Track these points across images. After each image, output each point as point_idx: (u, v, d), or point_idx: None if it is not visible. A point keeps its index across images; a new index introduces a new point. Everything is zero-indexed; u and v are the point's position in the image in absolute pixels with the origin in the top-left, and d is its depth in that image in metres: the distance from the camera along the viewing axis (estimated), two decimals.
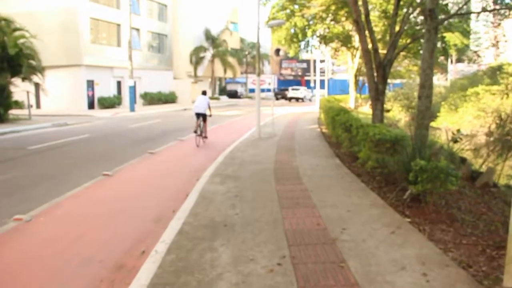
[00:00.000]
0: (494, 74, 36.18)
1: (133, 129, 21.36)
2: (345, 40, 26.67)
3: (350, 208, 6.70)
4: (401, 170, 8.17)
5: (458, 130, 15.29)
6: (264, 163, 10.95)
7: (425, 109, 9.22)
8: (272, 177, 9.11)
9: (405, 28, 13.57)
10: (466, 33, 30.25)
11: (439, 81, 49.92)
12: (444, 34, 21.14)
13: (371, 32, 13.19)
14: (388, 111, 42.74)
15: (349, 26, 25.32)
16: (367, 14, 13.18)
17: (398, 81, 57.36)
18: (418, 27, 16.02)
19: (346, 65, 64.33)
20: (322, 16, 26.03)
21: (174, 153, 13.79)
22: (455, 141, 14.00)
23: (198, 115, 15.26)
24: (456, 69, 56.93)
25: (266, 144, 14.65)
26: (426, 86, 9.13)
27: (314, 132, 18.70)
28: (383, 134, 8.08)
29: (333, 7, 18.98)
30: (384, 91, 13.22)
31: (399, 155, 7.97)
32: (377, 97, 13.06)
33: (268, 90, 65.57)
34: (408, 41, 14.98)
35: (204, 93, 16.31)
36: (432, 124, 31.88)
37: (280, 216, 6.35)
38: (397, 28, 13.23)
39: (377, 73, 13.04)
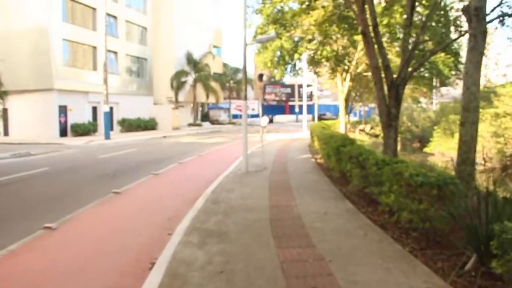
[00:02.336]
0: (488, 97, 34.73)
1: (103, 160, 18.81)
2: (337, 62, 24.60)
3: None
4: (449, 224, 5.90)
5: None
6: (256, 209, 8.52)
7: (470, 140, 6.97)
8: (270, 234, 6.67)
9: (425, 38, 11.54)
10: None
11: (426, 105, 48.13)
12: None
13: (381, 45, 11.07)
14: (376, 136, 41.01)
15: (343, 43, 23.20)
16: (376, 25, 11.07)
17: (372, 105, 55.63)
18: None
19: (332, 90, 62.84)
20: (310, 38, 24.12)
21: (145, 193, 11.29)
22: None
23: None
24: (440, 93, 55.46)
25: (256, 180, 12.26)
26: (471, 109, 6.91)
27: (309, 163, 16.39)
28: (425, 176, 5.79)
29: (333, 18, 16.78)
30: (398, 115, 11.03)
31: (450, 206, 5.69)
32: (390, 123, 10.86)
33: (253, 116, 63.57)
34: (417, 57, 12.92)
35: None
36: (426, 149, 30.03)
37: None
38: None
39: (389, 94, 10.88)
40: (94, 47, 37.56)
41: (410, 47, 11.03)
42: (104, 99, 32.52)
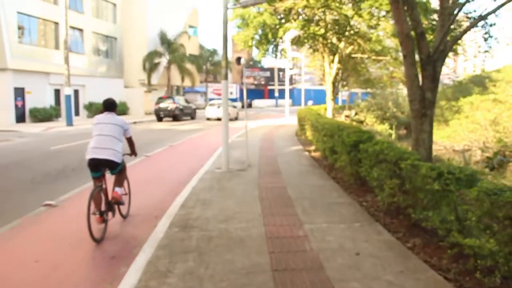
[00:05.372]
0: (482, 82, 32.62)
1: (52, 153, 15.53)
2: (338, 33, 21.83)
3: None
4: None
5: (495, 154, 10.57)
6: (247, 244, 5.49)
7: None
8: None
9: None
10: None
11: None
12: None
13: (412, 6, 8.17)
14: (361, 122, 38.51)
15: (344, 11, 20.23)
16: None
17: (355, 90, 52.56)
18: None
19: (314, 73, 59.97)
20: (296, 12, 21.43)
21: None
22: (492, 169, 9.02)
23: None
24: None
25: (240, 186, 9.25)
26: None
27: (304, 159, 13.50)
28: None
29: None
30: (434, 101, 8.19)
31: None
32: (424, 111, 8.01)
33: (232, 100, 60.61)
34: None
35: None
36: None
37: None
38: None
39: (424, 73, 8.03)
40: (56, 23, 33.68)
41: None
42: (66, 81, 28.96)
